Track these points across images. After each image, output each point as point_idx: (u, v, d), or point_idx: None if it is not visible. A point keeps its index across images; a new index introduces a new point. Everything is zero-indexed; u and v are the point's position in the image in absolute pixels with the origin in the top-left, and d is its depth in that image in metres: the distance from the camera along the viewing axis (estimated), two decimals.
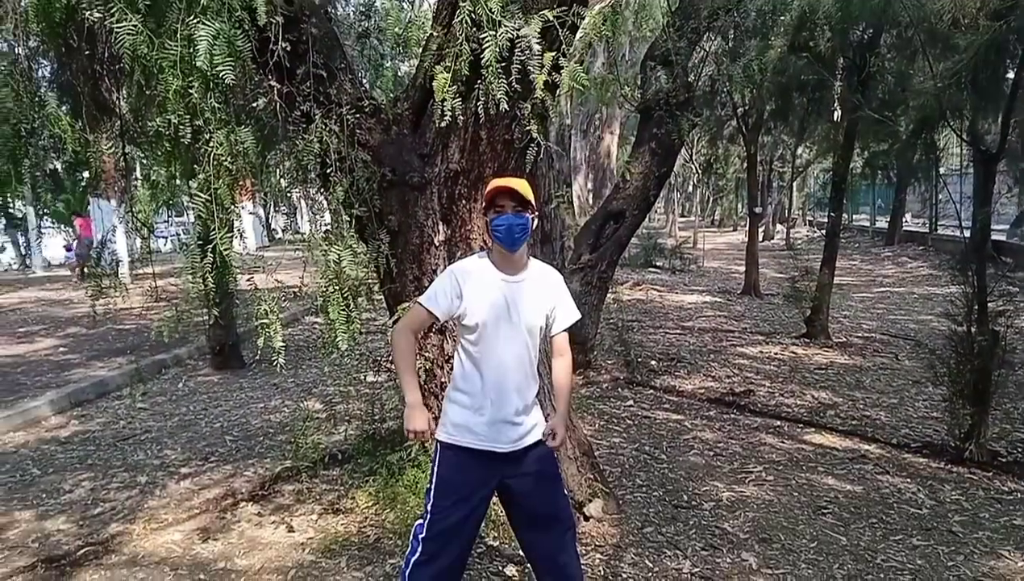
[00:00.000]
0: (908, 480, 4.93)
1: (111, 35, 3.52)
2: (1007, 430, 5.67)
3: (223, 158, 3.35)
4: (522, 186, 2.78)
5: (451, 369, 4.05)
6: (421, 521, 2.84)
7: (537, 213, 2.88)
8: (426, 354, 4.08)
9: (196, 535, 4.31)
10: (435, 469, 2.84)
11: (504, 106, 3.18)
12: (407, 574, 2.81)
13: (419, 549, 2.79)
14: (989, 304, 5.10)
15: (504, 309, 2.77)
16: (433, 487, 2.83)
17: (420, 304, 2.80)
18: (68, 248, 20.02)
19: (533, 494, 2.91)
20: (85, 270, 19.09)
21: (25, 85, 3.72)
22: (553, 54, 3.15)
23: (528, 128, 3.46)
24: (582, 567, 3.19)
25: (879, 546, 4.01)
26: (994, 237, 7.79)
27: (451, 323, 3.99)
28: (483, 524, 3.95)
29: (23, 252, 24.88)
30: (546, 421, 2.95)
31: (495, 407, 2.78)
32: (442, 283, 2.80)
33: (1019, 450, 5.34)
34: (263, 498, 4.83)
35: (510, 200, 2.74)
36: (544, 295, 2.89)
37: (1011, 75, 5.34)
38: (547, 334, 2.97)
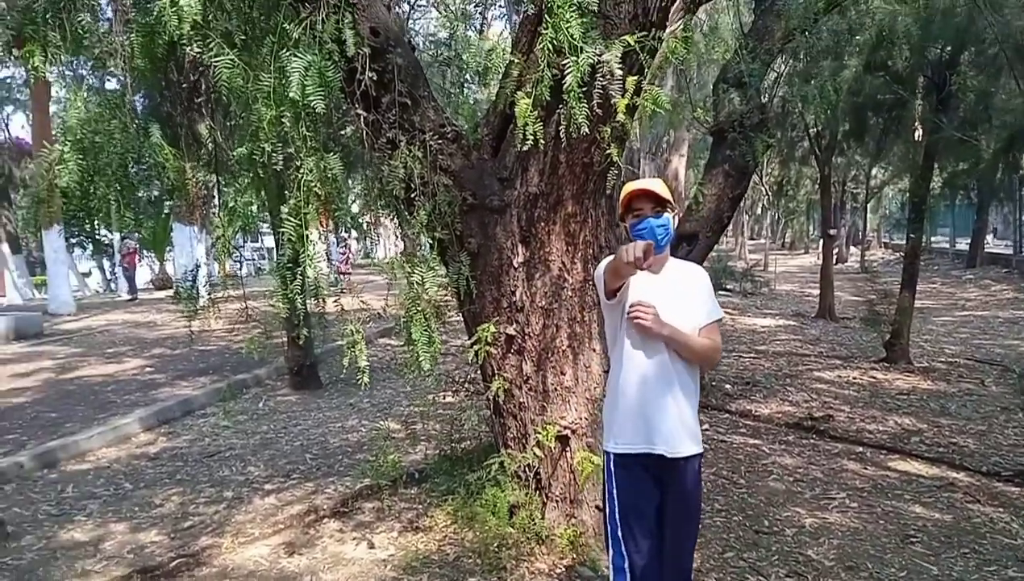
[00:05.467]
0: (1001, 509, 4.75)
1: (207, 69, 3.73)
2: None
3: (312, 184, 3.48)
4: (659, 186, 2.76)
5: (529, 389, 4.12)
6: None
7: (676, 210, 2.86)
8: (504, 374, 4.14)
9: (282, 549, 4.43)
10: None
11: (584, 130, 3.23)
12: None
13: None
14: None
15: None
16: None
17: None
18: (126, 268, 21.54)
19: None
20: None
21: (131, 117, 3.94)
22: (635, 78, 3.19)
23: (608, 151, 3.50)
24: None
25: (972, 577, 3.88)
26: None
27: (531, 344, 4.06)
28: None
29: (108, 277, 26.01)
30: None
31: None
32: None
33: None
34: (344, 515, 4.93)
35: (648, 202, 2.74)
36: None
37: None
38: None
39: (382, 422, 7.32)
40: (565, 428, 4.07)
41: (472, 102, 8.23)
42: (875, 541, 4.35)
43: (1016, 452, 5.86)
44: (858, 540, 4.37)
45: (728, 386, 8.45)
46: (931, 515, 4.69)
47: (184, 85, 4.81)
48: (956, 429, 6.58)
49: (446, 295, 4.25)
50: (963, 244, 25.14)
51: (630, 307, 2.72)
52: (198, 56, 3.54)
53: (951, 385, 8.33)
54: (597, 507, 4.07)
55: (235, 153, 4.14)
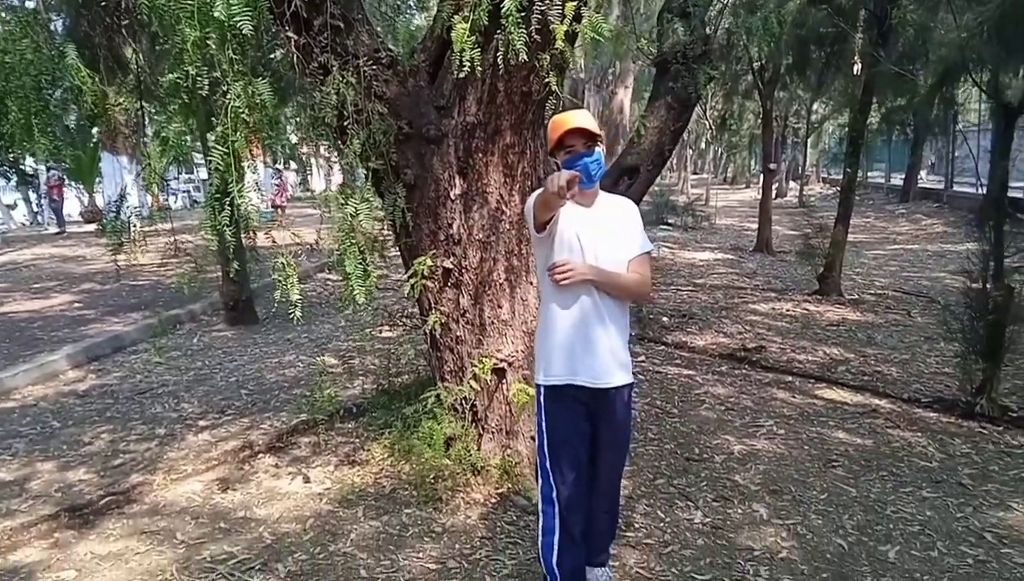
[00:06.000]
0: (919, 434, 4.95)
1: None
2: (1018, 385, 5.68)
3: (240, 111, 3.33)
4: (589, 121, 2.73)
5: (467, 323, 4.10)
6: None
7: (603, 140, 2.81)
8: (441, 308, 4.10)
9: (215, 485, 4.39)
10: None
11: (523, 57, 3.13)
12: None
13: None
14: (1005, 260, 5.07)
15: (576, 241, 2.74)
16: None
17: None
18: (53, 200, 21.08)
19: None
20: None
21: (45, 37, 3.70)
22: (575, 3, 3.10)
23: (547, 80, 3.42)
24: None
25: (889, 498, 4.05)
26: (1012, 193, 7.70)
27: (468, 278, 4.02)
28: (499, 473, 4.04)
29: (35, 209, 24.97)
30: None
31: None
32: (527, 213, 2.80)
33: None
34: (280, 450, 4.90)
35: (580, 138, 2.70)
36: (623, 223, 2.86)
37: None
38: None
39: (319, 357, 7.25)
40: (501, 361, 4.07)
41: (412, 28, 7.97)
42: (799, 466, 4.50)
43: (936, 380, 6.10)
44: (783, 465, 4.52)
45: (665, 318, 8.58)
46: (853, 440, 4.87)
47: (104, 4, 4.53)
48: (881, 358, 6.81)
49: (383, 228, 4.16)
50: (898, 179, 25.73)
51: (549, 271, 2.70)
52: None
53: (879, 316, 8.60)
54: (532, 438, 4.11)
55: (163, 79, 3.93)
